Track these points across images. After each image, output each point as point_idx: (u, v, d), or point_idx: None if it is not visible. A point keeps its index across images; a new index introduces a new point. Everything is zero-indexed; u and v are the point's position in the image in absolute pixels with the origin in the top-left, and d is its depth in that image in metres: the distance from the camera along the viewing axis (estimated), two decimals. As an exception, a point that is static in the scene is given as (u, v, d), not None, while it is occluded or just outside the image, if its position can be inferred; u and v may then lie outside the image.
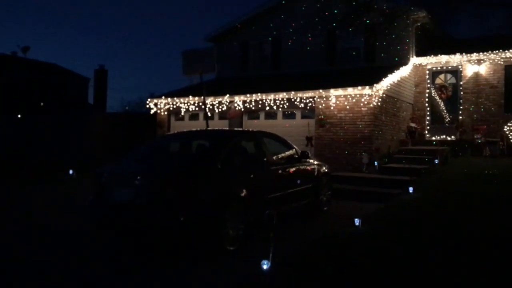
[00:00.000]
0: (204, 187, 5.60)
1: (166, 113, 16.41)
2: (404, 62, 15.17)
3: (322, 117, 13.43)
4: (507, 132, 13.88)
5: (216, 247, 5.62)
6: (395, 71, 14.15)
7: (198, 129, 8.36)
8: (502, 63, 14.71)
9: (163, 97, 16.33)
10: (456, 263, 4.93)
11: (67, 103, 30.04)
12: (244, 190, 6.12)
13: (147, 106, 16.70)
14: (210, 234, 5.53)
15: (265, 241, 5.16)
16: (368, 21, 14.35)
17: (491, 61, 14.86)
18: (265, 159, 7.10)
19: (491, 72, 14.93)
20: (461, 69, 15.37)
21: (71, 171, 13.00)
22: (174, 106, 16.11)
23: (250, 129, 10.32)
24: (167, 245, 6.03)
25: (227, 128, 10.55)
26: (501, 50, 14.48)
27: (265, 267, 4.89)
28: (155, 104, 16.52)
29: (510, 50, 14.34)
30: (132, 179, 5.62)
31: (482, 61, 14.98)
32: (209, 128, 8.48)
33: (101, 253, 5.93)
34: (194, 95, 15.31)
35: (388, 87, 13.63)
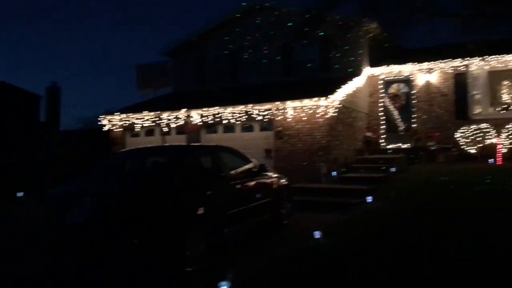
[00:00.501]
0: (157, 206, 5.35)
1: (121, 129, 15.95)
2: (358, 72, 15.42)
3: (280, 129, 13.41)
4: (459, 139, 14.29)
5: (174, 269, 5.38)
6: (349, 81, 14.34)
7: (153, 145, 8.06)
8: (451, 71, 15.20)
9: (117, 113, 15.88)
10: (408, 269, 4.90)
11: (17, 121, 28.79)
12: (202, 208, 5.92)
13: (100, 123, 16.18)
14: (166, 255, 5.29)
15: (225, 261, 4.99)
16: (322, 33, 14.53)
17: (441, 69, 15.32)
18: (222, 174, 6.93)
19: (442, 81, 15.39)
20: (412, 78, 15.78)
21: (19, 193, 12.35)
22: (129, 122, 15.68)
23: (206, 144, 10.17)
24: (121, 268, 5.72)
25: (184, 144, 10.30)
26: (450, 59, 14.96)
27: (224, 288, 4.71)
28: (109, 121, 16.03)
29: (459, 59, 14.83)
30: (82, 201, 5.31)
31: (432, 70, 15.43)
32: (164, 144, 8.22)
33: (48, 279, 5.55)
34: (149, 111, 14.96)
35: (344, 98, 13.77)
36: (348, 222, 7.79)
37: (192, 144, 10.43)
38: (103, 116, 16.27)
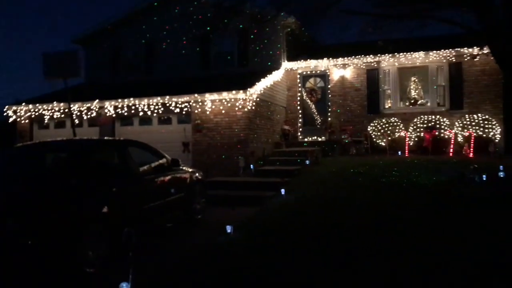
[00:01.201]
0: (54, 208, 4.99)
1: (28, 121, 14.94)
2: (277, 66, 15.61)
3: (199, 122, 13.23)
4: (371, 132, 14.94)
5: (73, 272, 5.07)
6: (268, 75, 14.47)
7: (53, 139, 7.54)
8: (364, 67, 15.84)
9: (24, 104, 14.84)
10: (313, 259, 5.02)
11: None
12: (105, 206, 5.63)
13: (5, 114, 15.04)
14: (65, 257, 4.96)
15: (127, 261, 4.78)
16: (241, 26, 14.54)
17: (354, 65, 15.91)
18: (130, 170, 6.63)
19: (355, 76, 15.99)
20: (328, 73, 16.25)
21: None
22: (37, 114, 14.73)
23: (112, 138, 9.74)
24: (15, 272, 5.31)
25: (89, 138, 9.80)
26: (362, 55, 15.57)
27: (124, 290, 4.52)
28: (14, 112, 14.95)
29: (371, 56, 15.48)
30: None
31: (347, 66, 15.98)
32: (64, 138, 7.72)
33: None
34: (59, 101, 14.12)
35: (262, 91, 13.88)
36: (259, 216, 7.85)
37: (96, 138, 9.93)
38: (9, 106, 15.13)
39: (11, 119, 14.98)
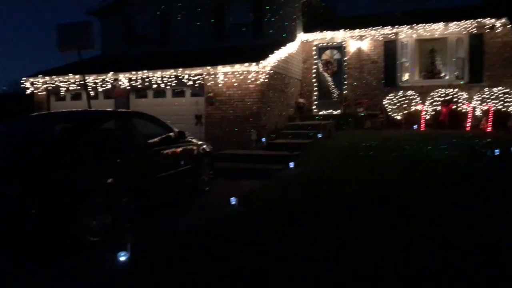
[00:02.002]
0: (57, 177, 5.11)
1: (44, 93, 15.16)
2: (292, 38, 15.36)
3: (211, 94, 13.21)
4: (386, 105, 14.70)
5: (76, 240, 5.20)
6: (282, 47, 14.26)
7: (62, 110, 7.66)
8: (381, 39, 15.47)
9: (41, 76, 15.04)
10: (313, 237, 5.03)
11: None
12: (110, 177, 5.73)
13: (23, 85, 15.28)
14: (68, 226, 5.09)
15: (127, 231, 4.89)
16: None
17: (371, 37, 15.55)
18: (135, 141, 6.71)
19: (372, 48, 15.65)
20: (345, 45, 15.94)
21: None
22: (53, 85, 14.92)
23: (118, 110, 9.82)
24: (18, 241, 5.49)
25: (111, 109, 9.93)
26: (380, 27, 15.18)
27: (122, 258, 4.64)
28: (32, 84, 15.18)
29: (388, 27, 15.08)
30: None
31: (364, 37, 15.63)
32: (71, 110, 7.84)
33: None
34: (75, 73, 14.25)
35: (276, 63, 13.72)
36: (266, 188, 7.88)
37: (102, 110, 10.02)
38: (26, 78, 15.36)
39: (28, 91, 15.23)
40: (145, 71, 13.69)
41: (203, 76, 13.24)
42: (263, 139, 12.28)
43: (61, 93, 15.04)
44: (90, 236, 5.27)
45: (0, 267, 4.86)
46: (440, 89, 14.22)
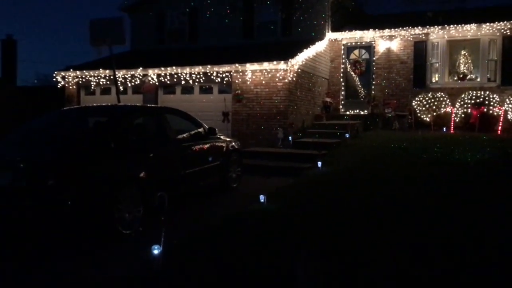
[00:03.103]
0: (93, 169, 5.22)
1: (75, 87, 15.46)
2: (320, 37, 15.30)
3: (239, 92, 13.26)
4: (415, 106, 14.51)
5: (110, 232, 5.30)
6: (311, 45, 14.23)
7: (96, 104, 7.81)
8: (411, 39, 15.27)
9: (71, 70, 15.34)
10: (340, 230, 5.01)
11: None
12: (142, 171, 5.82)
13: (54, 79, 15.62)
14: (102, 218, 5.19)
15: (165, 224, 4.95)
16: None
17: (401, 37, 15.36)
18: (167, 136, 6.80)
19: (402, 48, 15.46)
20: (374, 44, 15.79)
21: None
22: (84, 80, 15.21)
23: (151, 105, 9.91)
24: (53, 232, 5.61)
25: (129, 104, 10.07)
26: (410, 27, 14.99)
27: (156, 252, 4.69)
28: (63, 77, 15.49)
29: (419, 27, 14.88)
30: (11, 162, 5.11)
31: (393, 37, 15.45)
32: (106, 104, 8.00)
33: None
34: (105, 68, 14.49)
35: (304, 62, 13.70)
36: (293, 187, 7.86)
37: (136, 105, 10.17)
38: (57, 72, 15.68)
39: (59, 85, 15.55)
40: (173, 67, 13.83)
41: (231, 73, 13.30)
42: (290, 138, 12.27)
43: (91, 87, 15.32)
44: (123, 228, 5.36)
45: (32, 256, 4.96)
46: (471, 92, 13.96)
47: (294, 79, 13.04)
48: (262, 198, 6.96)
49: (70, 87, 15.51)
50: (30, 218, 4.99)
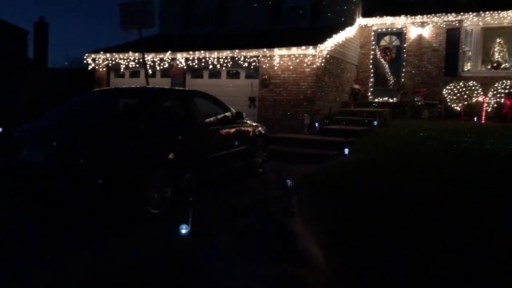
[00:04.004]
0: (124, 150, 5.32)
1: (105, 69, 15.68)
2: (350, 22, 15.05)
3: (266, 77, 13.20)
4: (446, 95, 14.19)
5: (139, 211, 5.40)
6: (340, 31, 14.03)
7: (126, 86, 7.91)
8: (444, 26, 14.87)
9: (102, 53, 15.56)
10: (365, 220, 4.98)
11: (4, 57, 28.18)
12: (171, 153, 5.89)
13: (85, 61, 15.88)
14: (132, 198, 5.28)
15: (188, 205, 5.02)
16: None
17: (434, 24, 14.98)
18: (195, 119, 6.83)
19: (434, 35, 15.09)
20: (405, 31, 15.45)
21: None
22: (114, 62, 15.40)
23: (180, 88, 9.94)
24: (82, 210, 5.75)
25: (159, 87, 10.17)
26: (443, 13, 14.60)
27: (183, 231, 4.78)
28: (93, 60, 15.73)
29: (452, 14, 14.48)
30: (44, 141, 5.24)
31: (425, 24, 15.08)
32: (135, 86, 8.09)
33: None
34: (134, 51, 14.64)
35: (333, 48, 13.53)
36: (319, 173, 7.83)
37: (166, 87, 10.24)
38: (88, 54, 15.93)
39: (90, 67, 15.80)
40: (201, 52, 13.85)
41: (258, 58, 13.25)
42: (316, 124, 12.19)
43: (120, 70, 15.50)
44: (151, 208, 5.46)
45: (66, 235, 5.10)
46: (505, 81, 13.56)
47: (322, 64, 12.91)
48: (288, 183, 6.97)
49: (100, 70, 15.74)
50: (62, 197, 5.13)
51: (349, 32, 14.78)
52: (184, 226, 4.79)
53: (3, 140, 5.55)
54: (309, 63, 12.59)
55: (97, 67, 15.74)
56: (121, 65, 15.28)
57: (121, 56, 15.15)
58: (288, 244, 4.37)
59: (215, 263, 4.05)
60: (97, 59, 15.66)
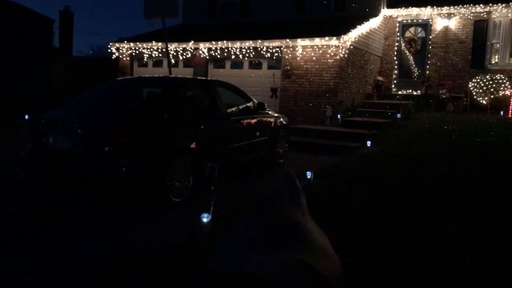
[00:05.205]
0: (147, 138, 5.38)
1: (128, 58, 15.83)
2: (375, 13, 14.84)
3: (288, 67, 13.14)
4: (472, 88, 13.90)
5: (161, 199, 5.47)
6: (364, 22, 13.84)
7: (150, 75, 7.96)
8: (471, 17, 14.54)
9: (125, 42, 15.69)
10: (387, 209, 4.94)
11: (30, 45, 28.66)
12: (193, 142, 5.93)
13: (109, 50, 16.05)
14: (154, 185, 5.35)
15: (209, 195, 5.06)
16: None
17: (461, 15, 14.66)
18: (218, 109, 6.86)
19: (461, 27, 14.77)
20: (431, 22, 15.15)
21: (27, 116, 12.52)
22: (137, 52, 15.53)
23: (203, 78, 9.95)
24: (106, 197, 5.85)
25: (183, 76, 10.22)
26: (471, 4, 14.26)
27: (205, 220, 4.81)
28: (117, 49, 15.89)
29: (481, 5, 14.13)
30: (69, 128, 5.33)
31: (452, 15, 14.77)
32: (159, 75, 8.14)
33: (31, 207, 5.69)
34: (157, 41, 14.73)
35: (357, 39, 13.37)
36: (341, 165, 7.79)
37: (189, 77, 10.28)
38: (112, 43, 16.09)
39: (114, 56, 15.96)
40: (224, 42, 13.85)
41: (281, 48, 13.19)
42: (339, 116, 12.11)
43: (144, 59, 15.63)
44: (173, 196, 5.52)
45: (89, 220, 5.20)
46: (534, 75, 13.22)
47: (345, 56, 12.77)
48: (309, 174, 6.95)
49: (124, 59, 15.89)
50: (86, 184, 5.22)
51: (373, 23, 14.57)
52: (205, 215, 4.82)
53: (31, 126, 5.66)
54: (332, 54, 12.48)
55: (120, 56, 15.90)
56: (145, 55, 15.39)
57: (144, 45, 15.26)
58: (301, 234, 4.38)
59: (231, 249, 4.08)
60: (121, 48, 15.81)
